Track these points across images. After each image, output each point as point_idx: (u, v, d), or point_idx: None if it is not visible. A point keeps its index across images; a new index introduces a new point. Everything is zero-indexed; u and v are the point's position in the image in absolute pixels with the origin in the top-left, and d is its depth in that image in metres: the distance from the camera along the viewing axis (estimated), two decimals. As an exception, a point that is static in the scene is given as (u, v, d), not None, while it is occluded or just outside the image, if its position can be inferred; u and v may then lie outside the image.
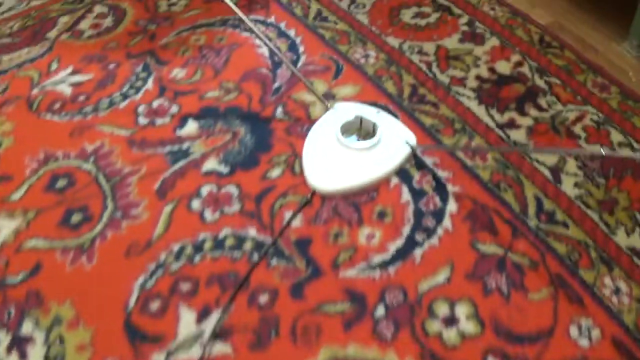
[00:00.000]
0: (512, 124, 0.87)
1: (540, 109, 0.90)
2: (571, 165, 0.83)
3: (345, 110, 0.86)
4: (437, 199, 0.79)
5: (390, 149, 0.81)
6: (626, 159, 0.85)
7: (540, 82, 0.94)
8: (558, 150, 0.83)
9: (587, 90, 0.93)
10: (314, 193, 0.78)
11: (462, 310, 0.70)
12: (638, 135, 0.87)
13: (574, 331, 0.69)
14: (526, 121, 0.88)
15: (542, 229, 0.76)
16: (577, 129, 0.88)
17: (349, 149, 0.80)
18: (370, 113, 0.85)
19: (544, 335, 0.68)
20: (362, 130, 0.85)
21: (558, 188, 0.81)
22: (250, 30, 0.84)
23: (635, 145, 0.86)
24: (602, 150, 0.78)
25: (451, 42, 1.00)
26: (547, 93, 0.92)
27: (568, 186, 0.81)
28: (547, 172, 0.82)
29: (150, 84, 0.94)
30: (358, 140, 0.84)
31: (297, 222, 0.77)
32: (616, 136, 0.87)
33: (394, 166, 0.81)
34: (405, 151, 0.82)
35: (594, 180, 0.82)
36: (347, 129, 0.85)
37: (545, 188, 0.80)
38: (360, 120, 0.84)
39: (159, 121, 0.89)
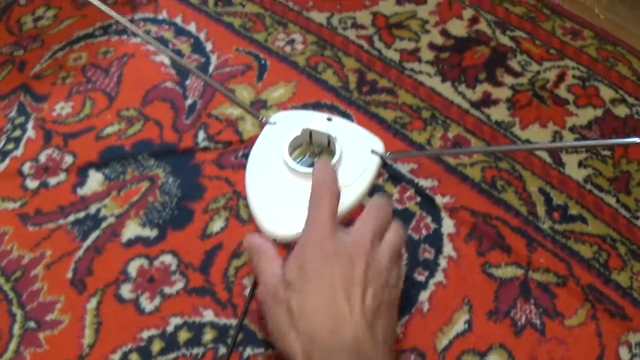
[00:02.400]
0: (488, 100, 0.71)
1: (514, 73, 0.74)
2: (568, 139, 0.68)
3: (287, 123, 0.66)
4: (429, 219, 0.62)
5: (356, 165, 0.63)
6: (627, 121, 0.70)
7: (504, 40, 0.77)
8: (563, 145, 0.67)
9: (559, 39, 0.77)
10: (275, 243, 0.59)
11: (496, 363, 0.54)
12: (628, 86, 0.74)
13: (624, 354, 0.56)
14: (503, 93, 0.72)
15: (558, 231, 0.61)
16: (562, 91, 0.72)
17: (305, 176, 0.61)
18: (319, 121, 0.65)
19: (595, 369, 0.53)
20: (314, 146, 0.65)
21: (562, 173, 0.65)
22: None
23: (628, 99, 0.72)
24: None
25: (387, 7, 0.81)
26: (517, 52, 0.76)
27: (572, 168, 0.66)
28: (544, 155, 0.67)
29: (30, 130, 0.71)
30: (309, 158, 0.64)
31: (262, 288, 0.57)
32: (606, 92, 0.73)
33: (365, 186, 0.62)
34: (374, 163, 0.63)
35: (599, 155, 0.66)
36: (294, 148, 0.65)
37: (548, 176, 0.65)
38: (310, 133, 0.64)
39: (52, 181, 0.66)
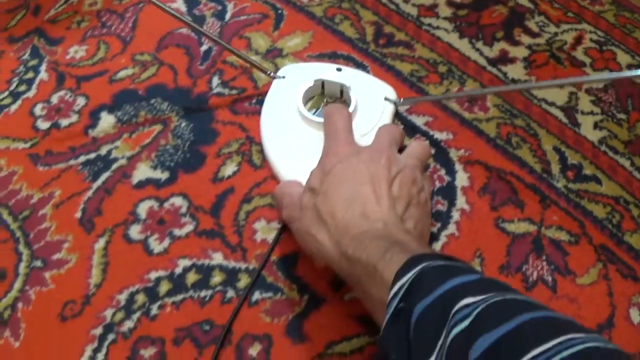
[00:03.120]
0: (505, 58, 0.69)
1: (532, 34, 0.71)
2: (584, 101, 0.66)
3: (296, 76, 0.64)
4: (443, 172, 0.60)
5: (371, 114, 0.61)
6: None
7: (522, 0, 0.74)
8: (566, 81, 0.65)
9: (577, 3, 0.75)
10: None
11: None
12: (645, 52, 0.70)
13: (635, 315, 0.54)
14: (520, 52, 0.69)
15: (572, 190, 0.59)
16: (579, 54, 0.70)
17: (320, 126, 0.59)
18: (329, 72, 0.63)
19: (605, 328, 0.53)
20: (326, 97, 0.63)
21: (578, 133, 0.63)
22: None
23: (646, 64, 0.69)
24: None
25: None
26: (535, 13, 0.73)
27: (588, 129, 0.64)
28: (560, 115, 0.64)
29: (43, 72, 0.69)
30: (324, 109, 0.62)
31: (271, 234, 0.56)
32: (623, 57, 0.71)
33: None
34: (388, 111, 0.61)
35: (614, 117, 0.64)
36: (306, 101, 0.63)
37: (564, 135, 0.63)
38: (322, 83, 0.62)
39: (64, 122, 0.64)
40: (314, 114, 0.62)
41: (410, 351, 0.35)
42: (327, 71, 0.64)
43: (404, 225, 0.45)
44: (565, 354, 0.29)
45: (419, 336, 0.35)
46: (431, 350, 0.34)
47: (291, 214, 0.50)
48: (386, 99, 0.62)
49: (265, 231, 0.57)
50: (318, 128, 0.60)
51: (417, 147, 0.55)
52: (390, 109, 0.62)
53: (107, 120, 0.64)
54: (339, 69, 0.64)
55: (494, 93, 0.65)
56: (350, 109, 0.60)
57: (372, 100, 0.62)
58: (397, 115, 0.64)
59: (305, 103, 0.63)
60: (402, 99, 0.63)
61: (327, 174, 0.49)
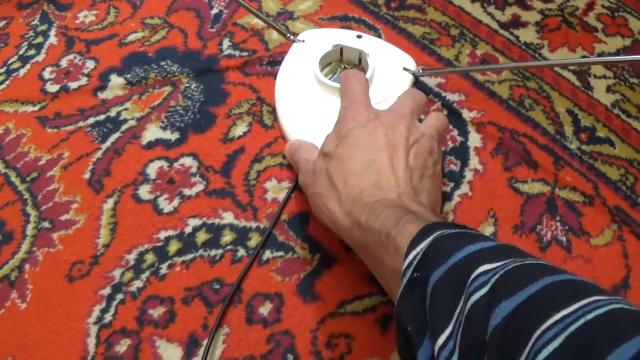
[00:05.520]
0: (517, 22, 0.64)
1: (543, -1, 0.66)
2: (597, 65, 0.61)
3: (316, 41, 0.60)
4: (455, 132, 0.56)
5: (388, 82, 0.57)
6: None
7: (534, -35, 0.70)
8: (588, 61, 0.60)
9: (589, -31, 0.70)
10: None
11: (520, 277, 0.48)
12: (658, 17, 0.65)
13: (650, 276, 0.50)
14: (532, 16, 0.65)
15: (586, 152, 0.55)
16: (592, 19, 0.65)
17: (337, 91, 0.55)
18: (349, 38, 0.59)
19: (620, 289, 0.49)
20: (344, 63, 0.59)
21: (590, 96, 0.59)
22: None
23: (658, 30, 0.65)
24: None
25: None
26: (546, -22, 0.68)
27: (600, 93, 0.60)
28: (573, 78, 0.60)
29: (53, 37, 0.65)
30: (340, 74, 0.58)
31: (282, 194, 0.52)
32: (635, 24, 0.67)
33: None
34: (406, 80, 0.57)
35: (627, 81, 0.60)
36: (324, 66, 0.59)
37: (576, 98, 0.59)
38: (341, 50, 0.58)
39: (73, 85, 0.61)
40: (330, 79, 0.58)
41: (426, 320, 0.32)
42: (348, 37, 0.59)
43: (419, 198, 0.42)
44: (589, 316, 0.25)
45: (436, 305, 0.32)
46: (449, 319, 0.30)
47: (305, 180, 0.47)
48: (405, 69, 0.58)
49: (275, 190, 0.53)
50: (334, 93, 0.55)
51: (435, 118, 0.49)
52: (408, 78, 0.58)
53: (116, 82, 0.60)
54: (359, 36, 0.60)
55: (516, 68, 0.61)
56: (367, 76, 0.56)
57: (390, 69, 0.58)
58: (416, 85, 0.59)
59: (323, 68, 0.59)
60: (420, 70, 0.58)
61: (343, 138, 0.44)
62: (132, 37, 0.64)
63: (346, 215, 0.41)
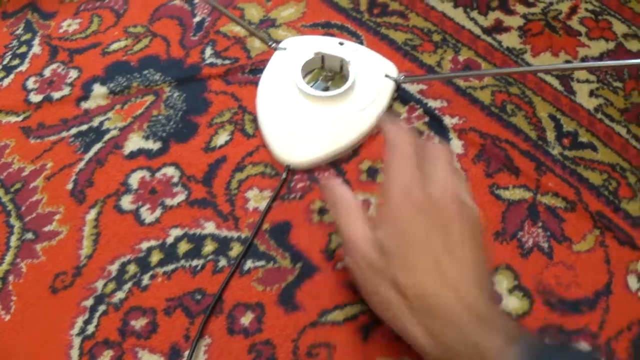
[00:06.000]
0: (500, 27, 0.64)
1: (527, 3, 0.67)
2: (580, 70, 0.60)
3: (297, 48, 0.59)
4: (436, 139, 0.56)
5: (370, 89, 0.56)
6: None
7: (517, -30, 0.69)
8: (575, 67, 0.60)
9: (572, -28, 0.69)
10: (289, 169, 0.53)
11: (501, 283, 0.48)
12: (641, 21, 0.65)
13: (633, 282, 0.50)
14: (515, 21, 0.64)
15: (568, 157, 0.54)
16: (575, 23, 0.65)
17: (319, 100, 0.54)
18: (331, 45, 0.58)
19: (602, 295, 0.49)
20: (326, 70, 0.59)
21: (573, 101, 0.59)
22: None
23: (642, 33, 0.64)
24: None
25: None
26: (529, -18, 0.68)
27: (583, 97, 0.59)
28: (556, 83, 0.60)
29: (36, 46, 0.64)
30: (322, 82, 0.58)
31: (263, 203, 0.52)
32: (619, 27, 0.66)
33: (380, 110, 0.56)
34: (388, 87, 0.57)
35: (610, 85, 0.60)
36: (306, 73, 0.58)
37: (559, 103, 0.58)
38: (322, 57, 0.58)
39: (57, 95, 0.60)
40: (312, 86, 0.57)
41: None
42: (329, 45, 0.59)
43: (482, 290, 0.39)
44: None
45: None
46: None
47: (355, 261, 0.42)
48: (386, 75, 0.58)
49: (257, 199, 0.52)
50: (315, 101, 0.55)
51: (451, 174, 0.43)
52: (390, 86, 0.57)
53: (99, 92, 0.60)
54: (341, 43, 0.59)
55: (500, 74, 0.60)
56: (348, 84, 0.55)
57: (372, 76, 0.57)
58: (398, 92, 0.59)
59: (304, 76, 0.58)
60: (402, 76, 0.58)
61: (401, 239, 0.40)
62: (115, 45, 0.63)
63: (423, 331, 0.38)
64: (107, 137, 0.57)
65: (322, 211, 0.52)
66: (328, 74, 0.59)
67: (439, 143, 0.50)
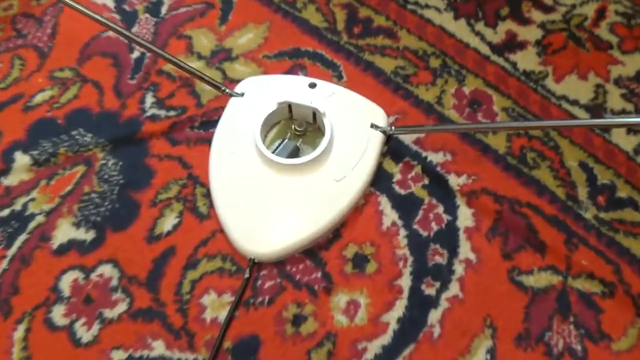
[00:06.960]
0: (513, 43, 0.50)
1: (544, 8, 0.53)
2: (614, 95, 0.49)
3: (257, 92, 0.46)
4: (440, 209, 0.44)
5: (354, 147, 0.44)
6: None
7: (531, -38, 0.55)
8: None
9: (598, -39, 0.55)
10: (254, 263, 0.41)
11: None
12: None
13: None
14: (532, 33, 0.51)
15: (604, 221, 0.42)
16: (604, 32, 0.51)
17: (289, 169, 0.42)
18: (300, 87, 0.45)
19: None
20: (296, 122, 0.46)
21: (608, 141, 0.46)
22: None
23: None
24: None
25: None
26: (547, -22, 0.54)
27: (620, 134, 0.47)
28: (585, 116, 0.47)
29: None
30: (290, 141, 0.45)
31: (224, 312, 0.41)
32: (659, 29, 0.51)
33: (369, 170, 0.44)
34: (376, 140, 0.44)
35: (652, 114, 0.47)
36: (270, 128, 0.46)
37: (591, 146, 0.46)
38: (289, 107, 0.45)
39: (-31, 171, 0.48)
40: (279, 146, 0.45)
41: None
42: (297, 88, 0.46)
43: None
44: None
45: None
46: None
47: None
48: (373, 125, 0.45)
49: (215, 307, 0.41)
50: (281, 171, 0.43)
51: None
52: (377, 138, 0.45)
53: (21, 162, 0.48)
54: (312, 85, 0.46)
55: (515, 129, 0.47)
56: (322, 146, 0.43)
57: (355, 128, 0.45)
58: (388, 144, 0.46)
59: (269, 130, 0.46)
60: (393, 127, 0.45)
61: None
62: (39, 97, 0.50)
63: None
64: (32, 225, 0.45)
65: (297, 320, 0.40)
66: (297, 129, 0.46)
67: None
